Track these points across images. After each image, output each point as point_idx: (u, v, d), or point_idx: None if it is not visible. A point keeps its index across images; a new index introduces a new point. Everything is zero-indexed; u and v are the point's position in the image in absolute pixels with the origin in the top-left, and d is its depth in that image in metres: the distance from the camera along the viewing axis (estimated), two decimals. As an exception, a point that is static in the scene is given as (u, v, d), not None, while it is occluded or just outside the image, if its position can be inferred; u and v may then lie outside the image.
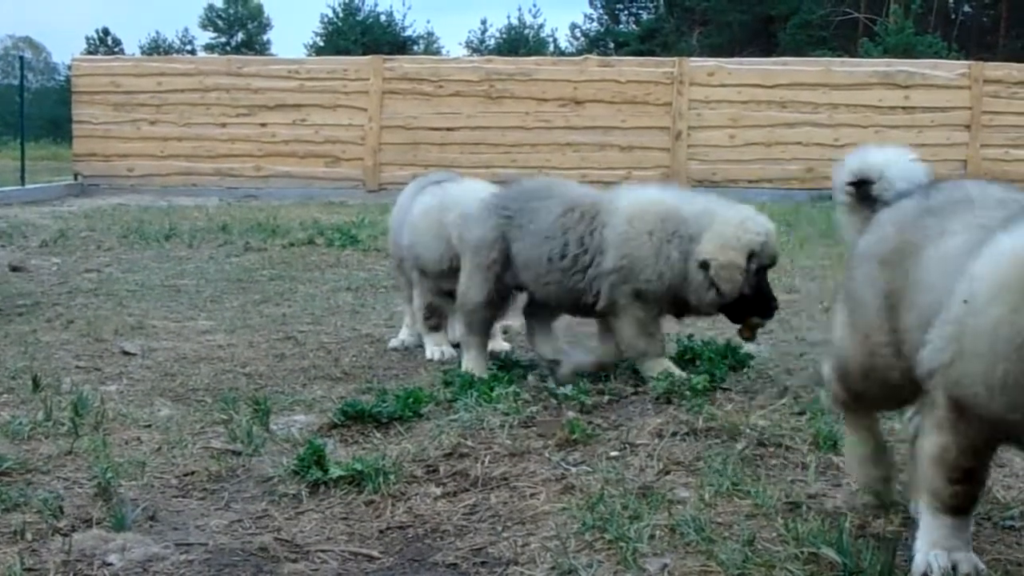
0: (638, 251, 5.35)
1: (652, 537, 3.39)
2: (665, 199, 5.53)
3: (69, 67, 24.88)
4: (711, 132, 21.18)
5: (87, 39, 62.45)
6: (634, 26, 58.76)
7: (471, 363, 5.67)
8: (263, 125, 22.31)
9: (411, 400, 4.81)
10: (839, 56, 30.78)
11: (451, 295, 6.30)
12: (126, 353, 6.42)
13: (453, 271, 6.22)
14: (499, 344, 6.73)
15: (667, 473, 4.00)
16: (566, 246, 5.47)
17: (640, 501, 3.69)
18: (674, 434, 4.38)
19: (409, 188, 7.03)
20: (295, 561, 3.35)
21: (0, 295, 8.45)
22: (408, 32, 60.16)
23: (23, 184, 21.46)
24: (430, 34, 62.37)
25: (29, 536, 3.47)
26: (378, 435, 4.59)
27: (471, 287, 5.72)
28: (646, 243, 5.34)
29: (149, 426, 4.77)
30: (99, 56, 43.11)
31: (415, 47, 58.03)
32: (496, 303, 5.75)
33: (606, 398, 4.95)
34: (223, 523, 3.66)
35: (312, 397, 5.35)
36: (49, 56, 56.69)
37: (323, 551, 3.42)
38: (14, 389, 5.43)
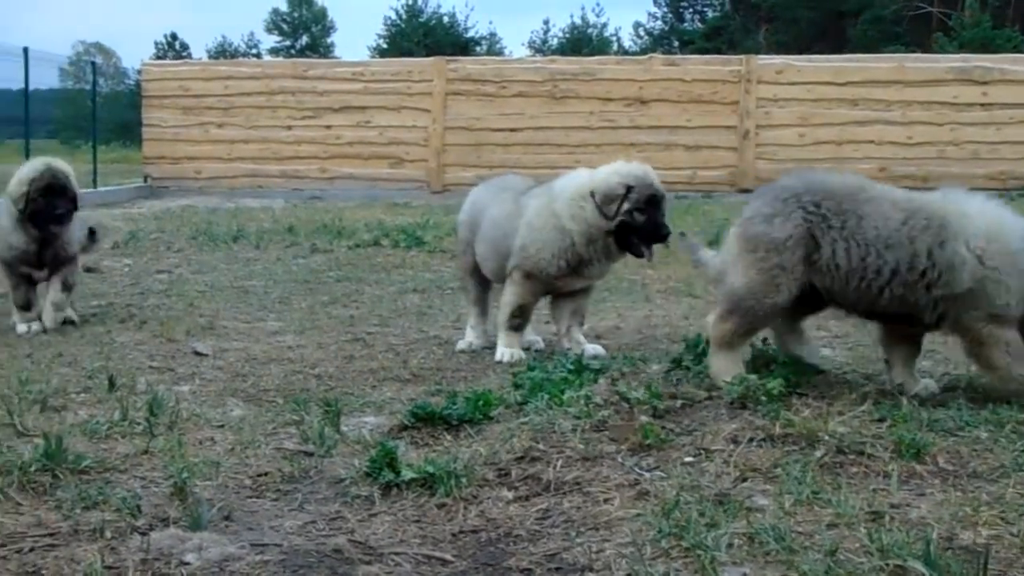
0: (1000, 273, 4.89)
1: (730, 546, 3.33)
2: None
3: (139, 72, 25.19)
4: (780, 131, 20.95)
5: (156, 44, 63.20)
6: (699, 24, 58.49)
7: (722, 364, 5.22)
8: (328, 127, 22.45)
9: (481, 402, 4.79)
10: (913, 52, 30.34)
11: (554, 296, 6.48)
12: (198, 354, 6.47)
13: (570, 270, 6.24)
14: (530, 336, 6.72)
15: (744, 480, 3.93)
16: (915, 258, 4.93)
17: (717, 508, 3.63)
18: (750, 440, 4.30)
19: (481, 191, 7.00)
20: (369, 563, 3.33)
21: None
22: (471, 33, 60.28)
23: (95, 187, 21.75)
24: (493, 35, 62.46)
25: (108, 534, 3.49)
26: (448, 437, 4.57)
27: (758, 290, 5.14)
28: (1008, 263, 4.89)
29: (222, 426, 4.80)
30: (168, 61, 43.74)
31: (478, 48, 58.10)
32: (785, 308, 5.24)
33: (679, 402, 4.87)
34: (297, 524, 3.66)
35: (382, 399, 5.35)
36: (119, 61, 57.58)
37: (396, 554, 3.41)
38: (91, 389, 5.49)
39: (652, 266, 9.57)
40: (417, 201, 20.18)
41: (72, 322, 7.52)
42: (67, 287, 7.46)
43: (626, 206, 6.12)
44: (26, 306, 7.41)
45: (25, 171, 7.39)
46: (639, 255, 6.29)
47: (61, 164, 7.54)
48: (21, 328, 7.30)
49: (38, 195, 7.20)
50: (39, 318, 7.41)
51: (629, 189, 6.14)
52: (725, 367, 5.17)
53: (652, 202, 6.19)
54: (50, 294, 7.47)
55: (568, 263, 6.27)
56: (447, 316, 7.90)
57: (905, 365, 5.26)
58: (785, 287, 5.09)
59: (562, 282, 6.40)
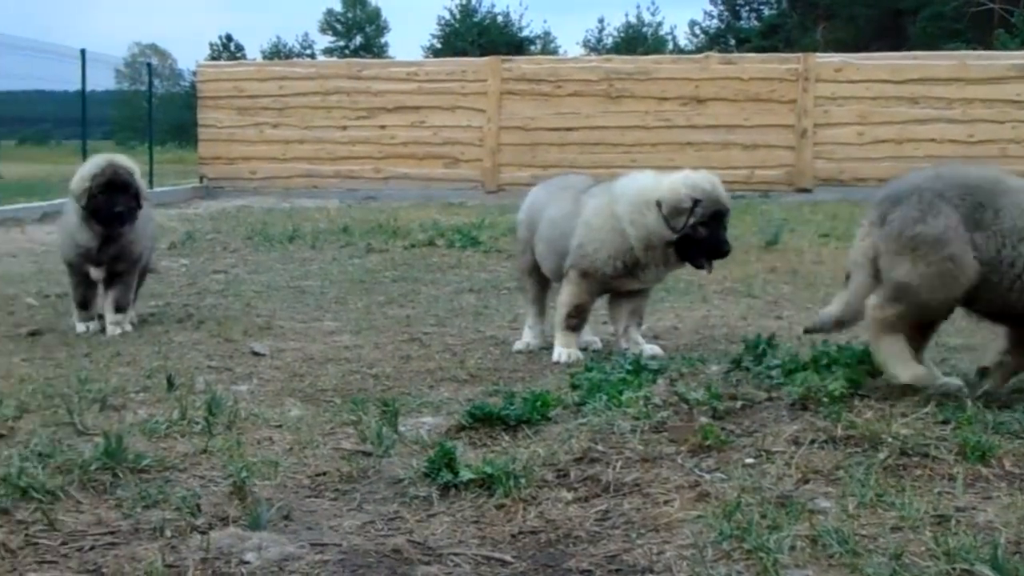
0: None
1: (793, 548, 3.29)
2: None
3: (194, 73, 25.40)
4: (838, 130, 20.75)
5: (210, 45, 63.89)
6: (755, 22, 58.14)
7: (900, 368, 4.97)
8: (382, 127, 22.54)
9: (539, 403, 4.76)
10: (974, 49, 29.93)
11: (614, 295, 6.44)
12: (255, 353, 6.50)
13: (626, 272, 6.20)
14: (587, 337, 6.67)
15: (806, 482, 3.88)
16: None
17: (779, 510, 3.58)
18: (812, 442, 4.24)
19: (540, 190, 6.96)
20: (428, 564, 3.32)
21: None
22: (525, 32, 60.31)
23: (151, 187, 21.94)
24: (547, 34, 62.49)
25: (168, 533, 3.51)
26: (506, 438, 4.55)
27: (934, 283, 4.93)
28: None
29: (280, 426, 4.81)
30: (223, 62, 44.07)
31: (532, 47, 58.13)
32: (952, 308, 5.09)
33: (739, 403, 4.81)
34: (356, 524, 3.66)
35: (439, 399, 5.34)
36: (174, 63, 58.15)
37: (456, 554, 3.39)
38: (149, 388, 5.52)
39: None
40: (472, 201, 20.22)
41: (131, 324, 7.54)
42: (120, 308, 7.38)
43: (691, 220, 6.05)
44: (84, 304, 7.44)
45: (87, 167, 7.36)
46: (699, 267, 6.28)
47: (124, 160, 7.50)
48: (80, 327, 7.35)
49: (99, 191, 7.15)
50: (98, 317, 7.45)
51: (696, 203, 6.06)
52: (893, 352, 4.97)
53: (717, 217, 6.14)
54: (106, 305, 7.44)
55: (625, 265, 6.22)
56: (503, 316, 7.89)
57: (1004, 378, 5.15)
58: (959, 281, 4.92)
59: (618, 283, 6.36)
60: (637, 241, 6.14)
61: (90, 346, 6.82)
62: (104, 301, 7.48)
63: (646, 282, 6.40)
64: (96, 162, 7.42)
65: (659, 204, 6.09)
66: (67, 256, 7.44)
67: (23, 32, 26.20)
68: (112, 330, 7.27)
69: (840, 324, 5.36)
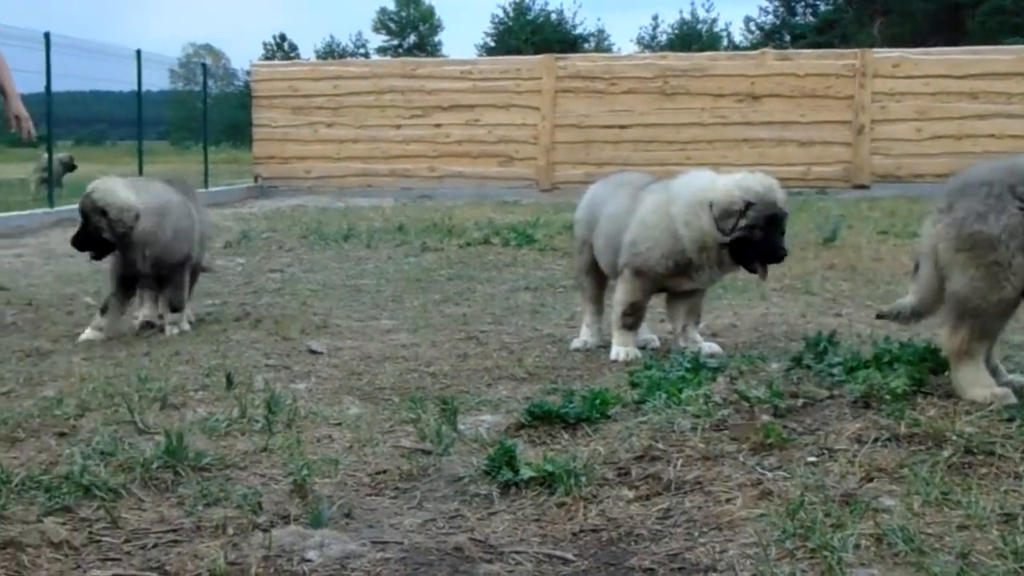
0: None
1: (858, 547, 3.24)
2: None
3: (248, 73, 25.62)
4: (896, 126, 20.55)
5: (264, 45, 64.49)
6: (811, 18, 57.76)
7: (966, 377, 4.84)
8: (437, 126, 22.61)
9: (598, 401, 4.73)
10: (1035, 43, 29.52)
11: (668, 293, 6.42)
12: (313, 352, 6.52)
13: (679, 272, 6.16)
14: (646, 335, 6.63)
15: (870, 480, 3.82)
16: None
17: (842, 509, 3.53)
18: (875, 440, 4.18)
19: (599, 187, 6.92)
20: (490, 562, 3.31)
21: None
22: (578, 30, 60.26)
23: (206, 187, 22.18)
24: (601, 31, 62.48)
25: (230, 531, 3.52)
26: (566, 436, 4.52)
27: (982, 287, 4.81)
28: None
29: (339, 424, 4.82)
30: (277, 61, 44.45)
31: (586, 45, 58.08)
32: (1015, 304, 4.92)
33: (800, 401, 4.75)
34: (417, 522, 3.65)
35: (497, 397, 5.33)
36: (228, 63, 58.72)
37: (517, 552, 3.38)
38: (208, 386, 5.55)
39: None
40: (527, 199, 20.21)
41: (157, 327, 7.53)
42: (174, 307, 7.40)
43: (744, 222, 5.93)
44: (102, 310, 7.38)
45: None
46: (753, 271, 6.16)
47: (100, 191, 7.25)
48: (90, 333, 7.26)
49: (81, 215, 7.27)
50: (147, 323, 7.48)
51: (748, 205, 5.93)
52: (970, 379, 4.84)
53: (772, 221, 5.99)
54: (162, 306, 7.54)
55: (677, 265, 6.16)
56: (560, 314, 7.87)
57: None
58: (1008, 284, 4.80)
59: (671, 282, 6.31)
60: (690, 242, 6.07)
61: (150, 345, 6.88)
62: (152, 304, 7.58)
63: (700, 283, 6.31)
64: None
65: (711, 205, 6.03)
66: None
67: (79, 33, 26.38)
68: (170, 330, 7.32)
69: (917, 315, 5.25)
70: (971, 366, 4.84)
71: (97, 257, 7.42)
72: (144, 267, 7.33)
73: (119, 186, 7.34)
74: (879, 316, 5.57)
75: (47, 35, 19.09)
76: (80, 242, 7.32)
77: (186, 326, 7.45)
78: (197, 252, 7.80)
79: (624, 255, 6.29)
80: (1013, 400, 4.70)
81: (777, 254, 6.05)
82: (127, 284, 7.43)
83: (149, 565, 3.30)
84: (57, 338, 7.22)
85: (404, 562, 3.30)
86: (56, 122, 20.58)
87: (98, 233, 7.19)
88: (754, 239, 5.96)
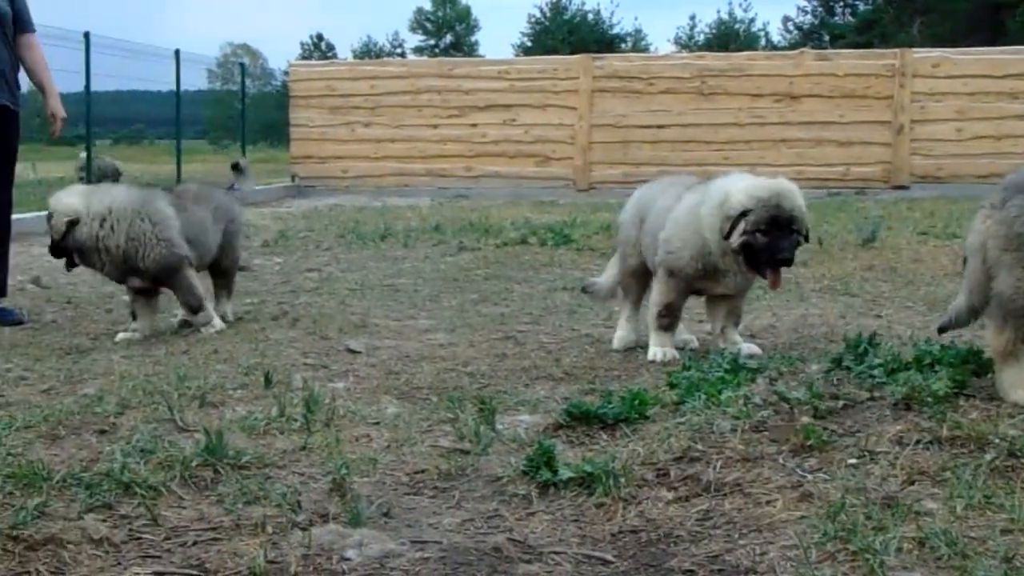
0: None
1: (899, 550, 3.21)
2: None
3: (286, 72, 25.78)
4: (936, 126, 20.38)
5: (301, 45, 64.82)
6: (850, 17, 57.44)
7: (1010, 378, 4.79)
8: (474, 126, 22.61)
9: (637, 401, 4.72)
10: (1076, 43, 29.20)
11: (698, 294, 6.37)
12: (351, 351, 6.53)
13: (708, 275, 6.12)
14: (684, 336, 6.59)
15: (911, 483, 3.79)
16: None
17: (884, 511, 3.51)
18: (916, 442, 4.14)
19: (648, 188, 6.86)
20: (528, 562, 3.31)
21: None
22: (615, 30, 60.16)
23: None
24: (638, 31, 62.40)
25: (270, 529, 3.53)
26: (604, 437, 4.51)
27: (1019, 296, 4.79)
28: None
29: (378, 423, 4.82)
30: (314, 61, 44.59)
31: (623, 45, 57.99)
32: None
33: (840, 403, 4.71)
34: (456, 521, 3.65)
35: (536, 397, 5.32)
36: (265, 62, 59.07)
37: (556, 553, 3.37)
38: (247, 385, 5.57)
39: (805, 264, 9.39)
40: (563, 199, 20.18)
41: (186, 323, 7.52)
42: (189, 308, 7.37)
43: (742, 227, 5.85)
44: (134, 315, 7.40)
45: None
46: (762, 276, 6.03)
47: (58, 192, 7.41)
48: (118, 336, 7.26)
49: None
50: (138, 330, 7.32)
51: (745, 212, 5.84)
52: (1013, 380, 4.78)
53: (775, 224, 5.86)
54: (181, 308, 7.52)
55: (705, 268, 6.11)
56: (598, 314, 7.84)
57: None
58: None
59: (703, 285, 6.26)
60: (715, 246, 6.00)
61: (188, 344, 6.91)
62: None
63: (730, 288, 6.24)
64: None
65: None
66: None
67: (118, 33, 26.62)
68: (206, 330, 7.28)
69: (974, 313, 5.17)
70: (1016, 368, 4.78)
71: (68, 266, 7.40)
72: (112, 273, 7.28)
73: (70, 193, 7.37)
74: (940, 330, 5.51)
75: (87, 35, 19.27)
76: (51, 250, 7.36)
77: (218, 323, 7.38)
78: (201, 254, 7.57)
79: (659, 253, 6.26)
80: None
81: (775, 256, 5.90)
82: (134, 288, 7.37)
83: (189, 563, 3.31)
84: (96, 336, 7.28)
85: (443, 562, 3.30)
86: (95, 121, 20.77)
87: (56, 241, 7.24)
88: (756, 244, 5.88)
